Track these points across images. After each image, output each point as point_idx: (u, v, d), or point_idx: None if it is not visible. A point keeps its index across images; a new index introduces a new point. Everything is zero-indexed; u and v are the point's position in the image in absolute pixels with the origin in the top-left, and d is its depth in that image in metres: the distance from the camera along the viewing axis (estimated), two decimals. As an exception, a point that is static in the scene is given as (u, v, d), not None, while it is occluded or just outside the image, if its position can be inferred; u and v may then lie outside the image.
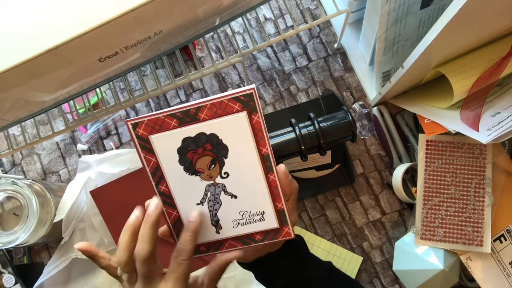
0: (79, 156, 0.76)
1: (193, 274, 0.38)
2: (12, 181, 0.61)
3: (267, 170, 0.35)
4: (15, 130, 0.78)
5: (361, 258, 0.71)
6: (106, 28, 0.39)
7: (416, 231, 0.65)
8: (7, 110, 0.48)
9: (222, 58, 0.79)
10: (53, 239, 0.70)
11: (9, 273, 0.70)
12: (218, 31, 0.66)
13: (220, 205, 0.37)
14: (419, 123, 0.65)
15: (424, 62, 0.53)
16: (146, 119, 0.34)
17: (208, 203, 0.37)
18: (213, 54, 0.79)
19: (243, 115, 0.34)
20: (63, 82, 0.46)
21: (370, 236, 0.73)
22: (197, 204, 0.37)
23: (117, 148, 0.76)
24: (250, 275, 0.46)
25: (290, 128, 0.50)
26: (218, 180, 0.36)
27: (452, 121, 0.56)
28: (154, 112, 0.34)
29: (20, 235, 0.60)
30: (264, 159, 0.35)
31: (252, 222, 0.37)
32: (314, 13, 0.79)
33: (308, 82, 0.77)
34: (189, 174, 0.36)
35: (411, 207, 0.73)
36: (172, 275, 0.34)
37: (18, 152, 0.76)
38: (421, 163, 0.66)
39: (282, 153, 0.53)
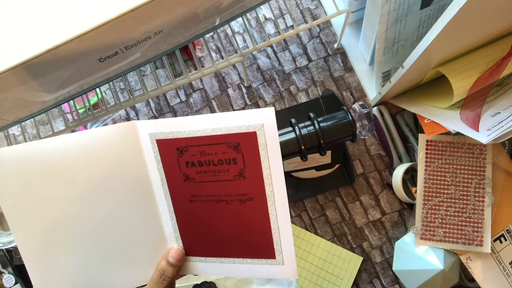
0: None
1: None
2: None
3: None
4: (15, 130, 0.78)
5: (361, 258, 0.71)
6: (106, 28, 0.39)
7: (416, 231, 0.65)
8: (7, 110, 0.48)
9: (222, 58, 0.79)
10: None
11: (9, 273, 0.70)
12: (218, 31, 0.66)
13: None
14: (419, 123, 0.65)
15: (424, 62, 0.53)
16: None
17: None
18: (213, 54, 0.79)
19: None
20: (63, 82, 0.46)
21: (370, 236, 0.73)
22: None
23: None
24: (250, 274, 0.46)
25: (290, 128, 0.50)
26: None
27: (452, 121, 0.56)
28: None
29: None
30: None
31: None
32: (314, 13, 0.79)
33: (308, 82, 0.77)
34: None
35: (411, 207, 0.72)
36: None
37: (18, 152, 0.76)
38: (421, 163, 0.66)
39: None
